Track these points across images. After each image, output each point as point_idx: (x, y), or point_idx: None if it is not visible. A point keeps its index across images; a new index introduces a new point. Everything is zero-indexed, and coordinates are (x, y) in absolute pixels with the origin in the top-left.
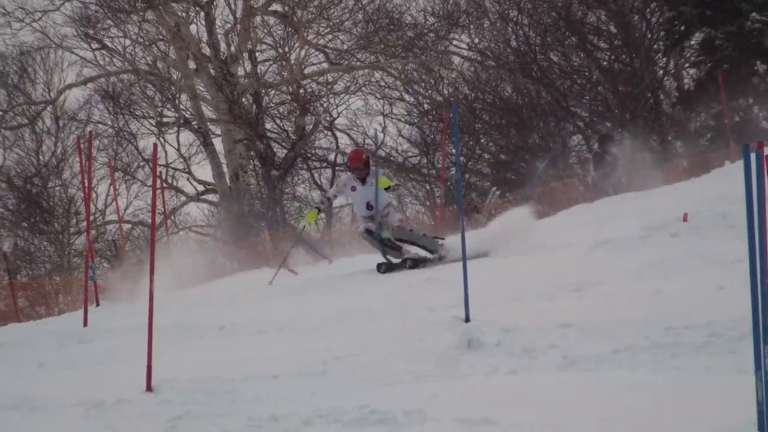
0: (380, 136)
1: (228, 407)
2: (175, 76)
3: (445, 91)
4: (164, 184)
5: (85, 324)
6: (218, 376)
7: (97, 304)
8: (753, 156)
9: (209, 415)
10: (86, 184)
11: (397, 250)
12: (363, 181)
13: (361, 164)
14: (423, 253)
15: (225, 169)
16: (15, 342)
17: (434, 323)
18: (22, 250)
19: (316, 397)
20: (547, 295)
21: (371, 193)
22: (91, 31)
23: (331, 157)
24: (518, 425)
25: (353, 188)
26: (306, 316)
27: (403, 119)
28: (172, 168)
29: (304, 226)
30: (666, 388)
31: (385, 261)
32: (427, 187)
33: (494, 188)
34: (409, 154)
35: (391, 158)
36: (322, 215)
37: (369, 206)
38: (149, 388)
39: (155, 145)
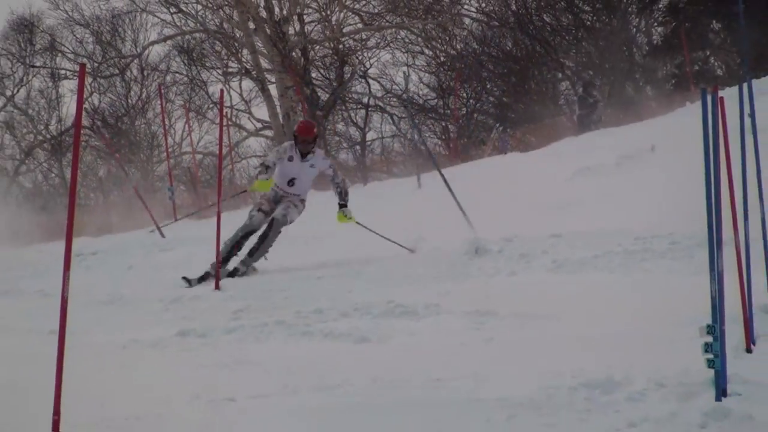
0: (407, 79)
1: (281, 302)
2: (238, 35)
3: (458, 46)
4: (229, 122)
5: (163, 236)
6: (273, 278)
7: (175, 219)
8: (709, 97)
9: (265, 308)
10: (165, 122)
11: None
12: (303, 155)
13: (310, 138)
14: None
15: (278, 110)
16: (109, 250)
17: (448, 236)
18: (115, 176)
19: (351, 294)
20: (540, 212)
21: (304, 173)
22: None
23: (365, 100)
24: (516, 315)
25: (290, 158)
26: (343, 233)
27: (423, 69)
28: (236, 109)
29: (252, 189)
30: (636, 286)
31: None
32: (443, 124)
33: (497, 125)
34: (429, 97)
35: (414, 100)
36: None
37: (291, 182)
38: (217, 286)
39: (222, 91)
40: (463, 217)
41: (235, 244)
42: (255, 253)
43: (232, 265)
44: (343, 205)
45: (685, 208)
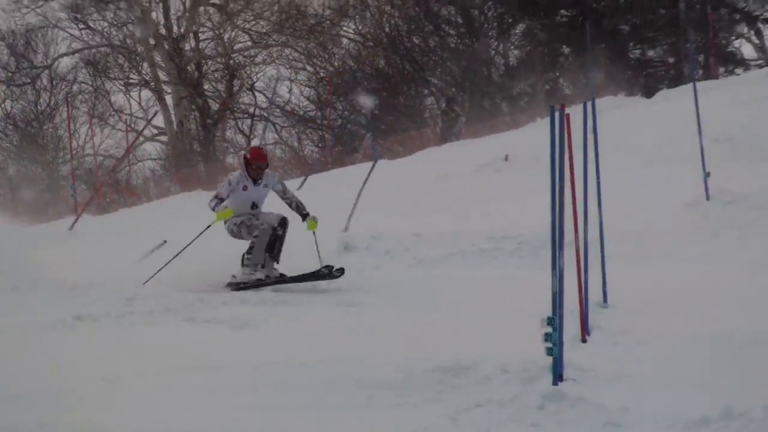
0: (275, 83)
1: (168, 291)
2: (139, 49)
3: (336, 63)
4: (128, 128)
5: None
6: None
7: (77, 215)
8: (557, 114)
9: (154, 297)
10: (70, 127)
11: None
12: (255, 181)
13: (263, 164)
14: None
15: (173, 118)
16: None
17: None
18: (24, 175)
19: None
20: (404, 214)
21: (261, 195)
22: (78, 16)
23: (251, 110)
24: (379, 305)
25: (245, 188)
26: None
27: (304, 84)
28: (135, 116)
29: (209, 226)
30: (488, 281)
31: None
32: (320, 133)
33: (368, 134)
34: (308, 109)
35: (288, 109)
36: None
37: (254, 206)
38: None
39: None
40: (345, 215)
41: (275, 241)
42: (277, 257)
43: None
44: (306, 214)
45: (534, 212)
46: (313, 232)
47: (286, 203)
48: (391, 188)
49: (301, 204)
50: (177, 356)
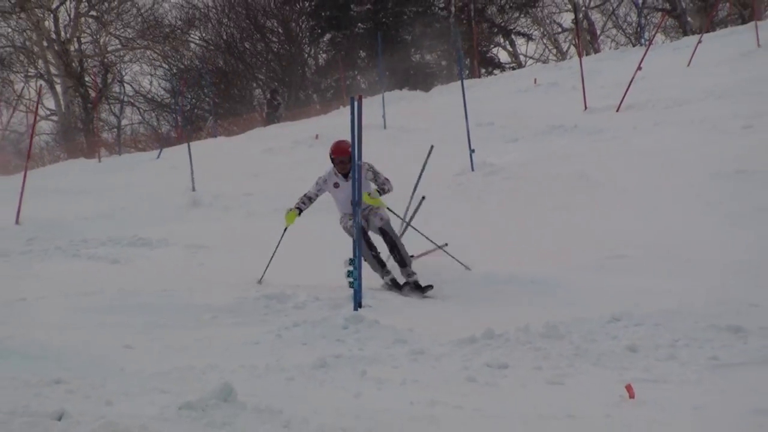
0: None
1: (59, 234)
2: (35, 49)
3: (186, 62)
4: (28, 110)
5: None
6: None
7: None
8: (356, 103)
9: (48, 239)
10: None
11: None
12: (346, 176)
13: (346, 158)
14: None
15: (62, 102)
16: None
17: (176, 192)
18: None
19: (108, 230)
20: (238, 177)
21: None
22: None
23: (120, 97)
24: (220, 248)
25: (336, 185)
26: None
27: (161, 77)
28: (31, 101)
29: (286, 228)
30: (308, 230)
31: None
32: (174, 116)
33: (210, 118)
34: (165, 96)
35: (149, 97)
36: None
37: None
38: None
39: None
40: (190, 179)
41: (370, 246)
42: (403, 261)
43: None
44: (379, 192)
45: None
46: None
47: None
48: (228, 159)
49: (385, 184)
50: (66, 284)
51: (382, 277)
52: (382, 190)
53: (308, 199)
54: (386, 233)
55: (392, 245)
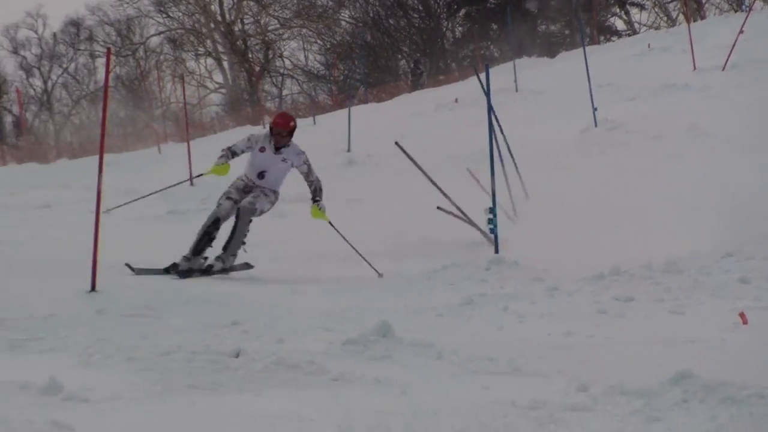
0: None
1: None
2: (204, 30)
3: (338, 38)
4: (198, 84)
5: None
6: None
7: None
8: (490, 70)
9: None
10: (160, 84)
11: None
12: (277, 149)
13: (285, 131)
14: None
15: (228, 76)
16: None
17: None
18: (129, 117)
19: None
20: (388, 137)
21: (276, 166)
22: (162, 8)
23: (281, 71)
24: (375, 201)
25: (262, 149)
26: None
27: (316, 52)
28: (203, 76)
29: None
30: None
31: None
32: (329, 86)
33: (361, 87)
34: (320, 69)
35: (306, 70)
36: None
37: (261, 175)
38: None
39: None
40: (347, 141)
41: (205, 234)
42: (228, 247)
43: (206, 260)
44: (317, 200)
45: (478, 141)
46: (329, 222)
47: (307, 186)
48: (378, 122)
49: (320, 191)
50: None
51: (184, 255)
52: (315, 200)
53: (233, 154)
54: (240, 218)
55: (234, 230)
